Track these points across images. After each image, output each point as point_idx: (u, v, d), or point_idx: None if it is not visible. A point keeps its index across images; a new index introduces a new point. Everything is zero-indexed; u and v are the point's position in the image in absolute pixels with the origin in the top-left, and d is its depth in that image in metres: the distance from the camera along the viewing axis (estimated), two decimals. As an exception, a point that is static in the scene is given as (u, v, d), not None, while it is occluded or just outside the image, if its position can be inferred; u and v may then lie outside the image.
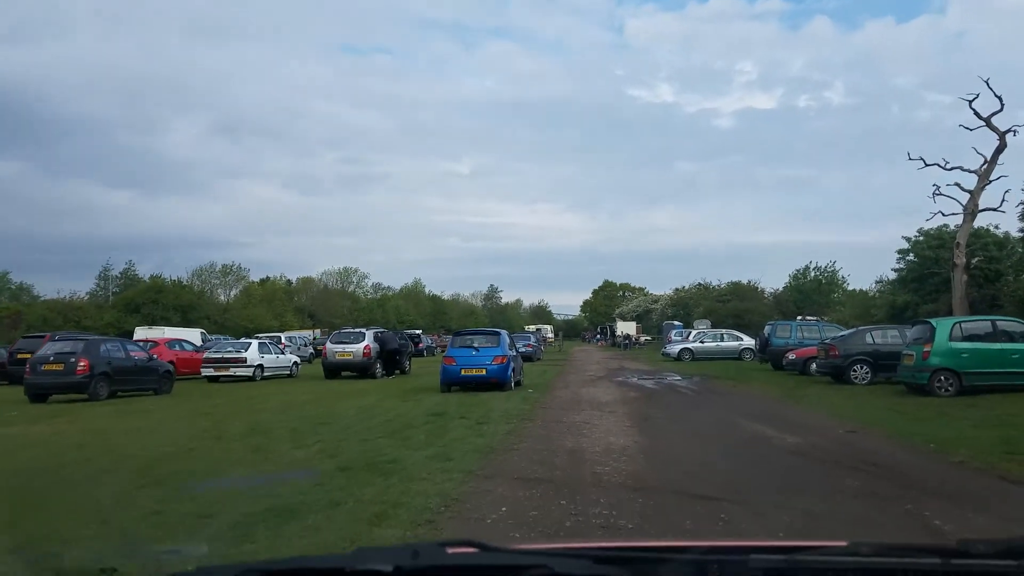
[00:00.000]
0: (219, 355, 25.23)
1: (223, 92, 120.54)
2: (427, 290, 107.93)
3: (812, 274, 59.43)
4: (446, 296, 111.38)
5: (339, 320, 77.77)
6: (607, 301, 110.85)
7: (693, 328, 50.45)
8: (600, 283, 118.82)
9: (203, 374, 24.65)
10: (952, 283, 26.84)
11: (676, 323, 54.10)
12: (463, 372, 17.74)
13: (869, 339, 19.34)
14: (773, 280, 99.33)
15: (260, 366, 25.12)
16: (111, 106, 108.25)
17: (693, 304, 63.48)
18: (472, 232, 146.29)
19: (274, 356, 26.64)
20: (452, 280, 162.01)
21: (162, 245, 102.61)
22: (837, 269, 59.30)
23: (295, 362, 28.28)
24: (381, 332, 26.79)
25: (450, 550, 1.23)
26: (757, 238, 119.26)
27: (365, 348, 24.27)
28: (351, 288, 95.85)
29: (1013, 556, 1.17)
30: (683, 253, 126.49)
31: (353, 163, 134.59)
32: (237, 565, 1.34)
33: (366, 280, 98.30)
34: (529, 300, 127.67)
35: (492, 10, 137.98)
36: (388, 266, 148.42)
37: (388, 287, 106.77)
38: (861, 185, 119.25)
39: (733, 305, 52.69)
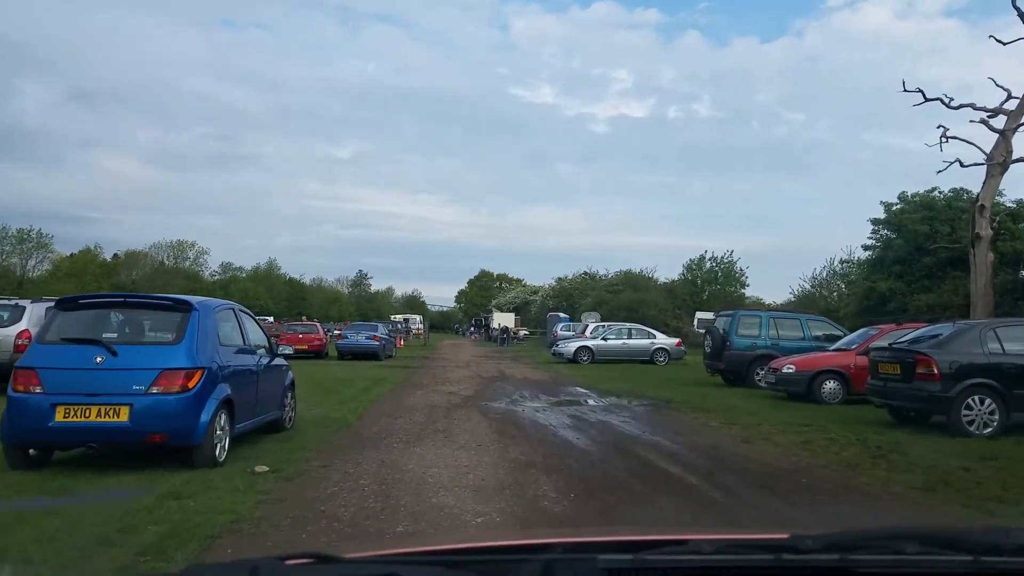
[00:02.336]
0: None
1: (83, 58, 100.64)
2: (283, 273, 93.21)
3: (708, 264, 51.33)
4: (306, 280, 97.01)
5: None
6: (483, 292, 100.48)
7: (582, 322, 40.87)
8: (476, 273, 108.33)
9: None
10: (972, 263, 17.86)
11: (562, 315, 44.21)
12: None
13: (990, 345, 9.39)
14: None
15: None
16: None
17: (579, 295, 53.92)
18: (350, 220, 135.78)
19: None
20: (327, 269, 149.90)
21: (8, 219, 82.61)
22: (735, 260, 51.53)
23: None
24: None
25: (290, 562, 1.14)
26: (628, 240, 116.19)
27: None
28: (187, 264, 79.61)
29: (838, 550, 1.17)
30: (561, 252, 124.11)
31: (223, 140, 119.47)
32: None
33: (205, 256, 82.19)
34: (403, 290, 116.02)
35: None
36: (258, 252, 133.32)
37: (239, 267, 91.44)
38: (721, 193, 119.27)
39: (626, 296, 43.30)
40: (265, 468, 6.34)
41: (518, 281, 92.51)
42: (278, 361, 8.60)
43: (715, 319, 18.54)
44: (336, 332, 32.54)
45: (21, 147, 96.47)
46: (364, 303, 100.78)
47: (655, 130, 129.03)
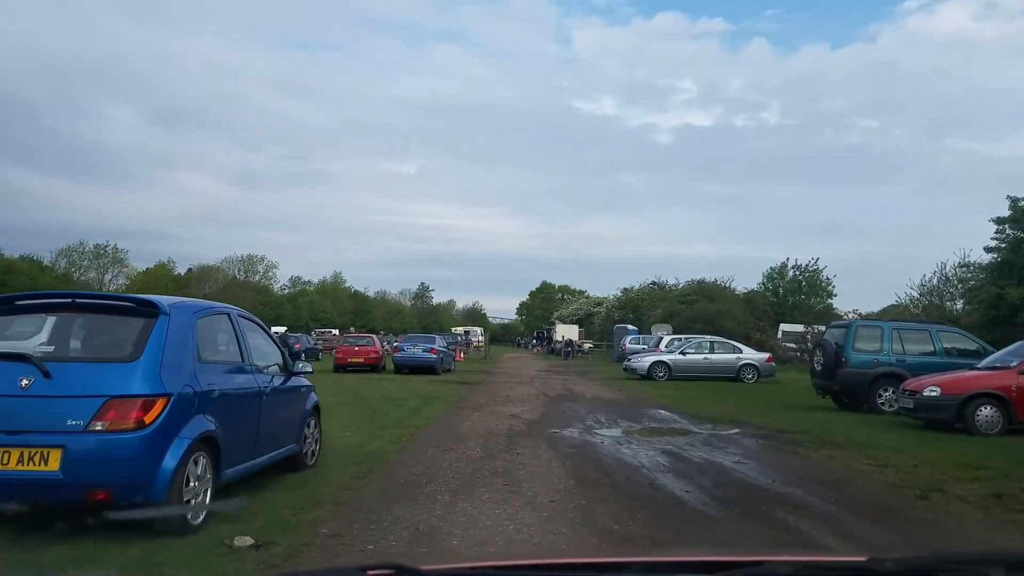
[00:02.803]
0: None
1: (164, 80, 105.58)
2: (348, 286, 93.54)
3: (791, 273, 47.69)
4: (370, 293, 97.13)
5: (238, 315, 63.34)
6: (545, 304, 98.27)
7: (652, 335, 38.26)
8: (538, 285, 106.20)
9: None
10: None
11: (630, 327, 41.65)
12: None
13: None
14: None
15: None
16: (36, 88, 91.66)
17: (647, 306, 51.11)
18: (413, 233, 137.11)
19: None
20: (390, 282, 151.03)
21: (89, 235, 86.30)
22: (820, 268, 47.70)
23: None
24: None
25: (370, 573, 1.17)
26: (693, 250, 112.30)
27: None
28: (257, 279, 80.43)
29: (919, 574, 1.14)
30: (622, 262, 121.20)
31: (295, 158, 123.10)
32: None
33: (274, 270, 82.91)
34: (465, 302, 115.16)
35: (442, 12, 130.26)
36: (325, 266, 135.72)
37: (307, 281, 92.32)
38: (794, 203, 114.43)
39: (700, 307, 40.34)
40: (248, 541, 4.36)
41: (581, 293, 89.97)
42: (296, 381, 6.69)
43: (824, 331, 15.85)
44: (395, 344, 30.91)
45: (105, 167, 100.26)
46: (426, 315, 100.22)
47: (721, 139, 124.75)
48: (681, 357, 23.19)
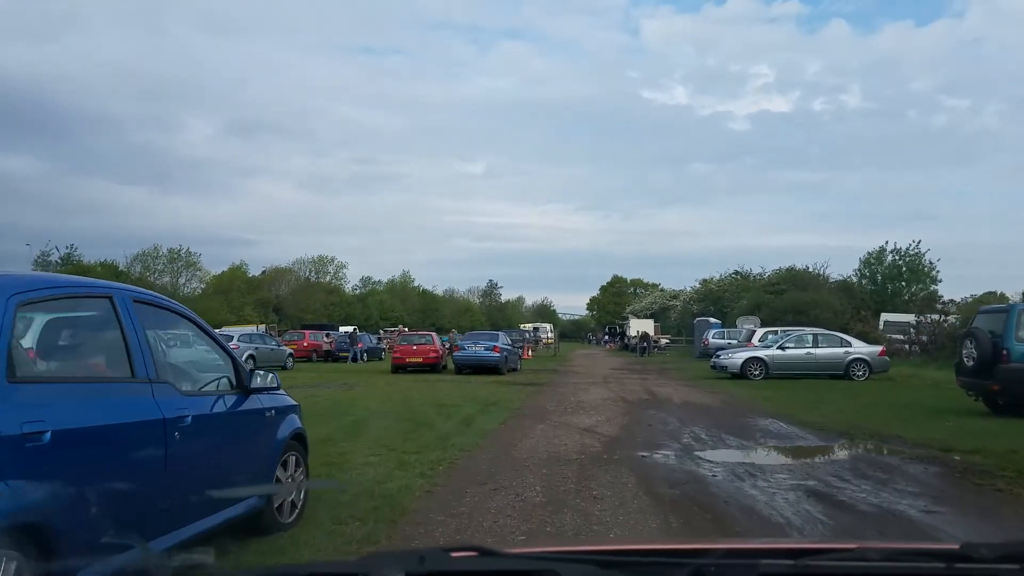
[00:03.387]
0: None
1: (238, 91, 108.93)
2: (416, 284, 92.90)
3: (890, 258, 43.11)
4: (439, 291, 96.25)
5: (310, 316, 63.32)
6: (616, 299, 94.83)
7: (737, 327, 34.98)
8: (609, 279, 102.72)
9: None
10: None
11: (712, 320, 38.27)
12: None
13: None
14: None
15: None
16: (127, 103, 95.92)
17: (729, 298, 47.41)
18: (482, 232, 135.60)
19: None
20: (459, 281, 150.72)
21: (174, 242, 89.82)
22: (923, 252, 42.91)
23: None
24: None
25: (454, 554, 1.17)
26: (772, 240, 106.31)
27: None
28: (327, 279, 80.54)
29: (1015, 560, 1.12)
30: (695, 256, 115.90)
31: (366, 163, 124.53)
32: (250, 569, 1.21)
33: (344, 270, 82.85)
34: (534, 299, 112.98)
35: (506, 11, 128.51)
36: (394, 266, 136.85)
37: (377, 281, 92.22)
38: (876, 189, 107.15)
39: (791, 296, 36.56)
40: None
41: (654, 286, 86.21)
42: (260, 402, 4.44)
43: (974, 319, 12.64)
44: (456, 342, 28.85)
45: (187, 176, 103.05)
46: (495, 312, 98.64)
47: (800, 125, 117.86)
48: (780, 352, 20.09)
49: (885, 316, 36.79)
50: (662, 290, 74.08)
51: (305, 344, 32.00)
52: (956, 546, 1.15)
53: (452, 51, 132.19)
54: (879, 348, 20.94)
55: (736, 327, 34.84)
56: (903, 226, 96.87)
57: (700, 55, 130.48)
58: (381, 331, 51.18)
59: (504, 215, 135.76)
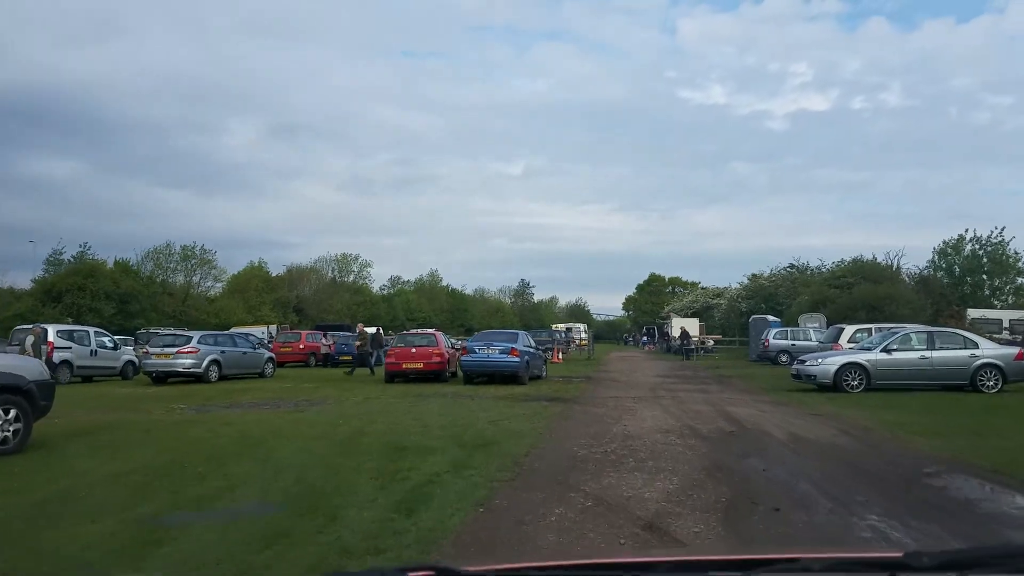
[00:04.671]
0: None
1: (281, 94, 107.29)
2: (445, 284, 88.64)
3: (968, 248, 37.33)
4: (468, 291, 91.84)
5: (332, 316, 59.50)
6: (653, 297, 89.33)
7: (800, 326, 29.89)
8: (646, 277, 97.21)
9: None
10: None
11: (771, 318, 33.07)
12: None
13: None
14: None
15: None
16: (170, 108, 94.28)
17: (784, 294, 42.00)
18: (519, 233, 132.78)
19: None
20: (495, 281, 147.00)
21: (217, 245, 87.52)
22: (1006, 241, 37.00)
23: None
24: None
25: (411, 574, 1.15)
26: (812, 240, 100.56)
27: None
28: (350, 278, 76.76)
29: (955, 568, 1.12)
30: (733, 255, 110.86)
31: (406, 165, 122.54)
32: None
33: (368, 269, 78.93)
34: (568, 300, 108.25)
35: (544, 13, 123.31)
36: (429, 267, 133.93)
37: (406, 280, 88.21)
38: (917, 189, 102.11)
39: (862, 291, 31.13)
40: None
41: (693, 285, 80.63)
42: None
43: None
44: (464, 345, 24.22)
45: (229, 179, 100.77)
46: (527, 313, 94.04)
47: (839, 123, 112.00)
48: (885, 356, 15.06)
49: (972, 312, 31.36)
50: (704, 288, 68.53)
51: (301, 346, 27.79)
52: (899, 554, 1.17)
53: (490, 53, 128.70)
54: (1015, 350, 15.77)
55: (799, 326, 29.72)
56: (944, 225, 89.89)
57: (738, 54, 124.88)
58: (391, 332, 47.09)
59: (542, 216, 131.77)
